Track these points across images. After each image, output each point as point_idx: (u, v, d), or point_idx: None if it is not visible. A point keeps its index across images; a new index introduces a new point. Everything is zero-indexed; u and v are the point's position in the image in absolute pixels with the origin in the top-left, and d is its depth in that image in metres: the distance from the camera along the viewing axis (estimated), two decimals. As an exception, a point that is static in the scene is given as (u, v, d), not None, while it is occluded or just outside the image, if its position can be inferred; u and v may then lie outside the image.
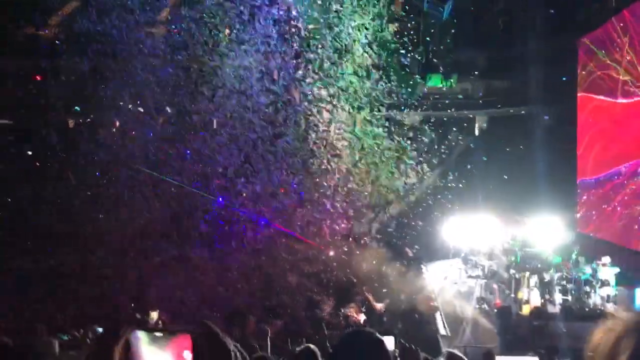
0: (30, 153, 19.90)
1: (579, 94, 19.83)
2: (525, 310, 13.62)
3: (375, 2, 19.75)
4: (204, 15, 19.65)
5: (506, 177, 21.27)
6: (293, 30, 20.40)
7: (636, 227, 15.88)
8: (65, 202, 17.78)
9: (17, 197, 17.94)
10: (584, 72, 19.55)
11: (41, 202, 17.67)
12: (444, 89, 23.11)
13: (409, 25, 21.39)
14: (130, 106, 19.81)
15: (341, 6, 19.65)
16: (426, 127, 22.63)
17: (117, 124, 20.24)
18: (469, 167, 22.91)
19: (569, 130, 20.34)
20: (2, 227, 17.03)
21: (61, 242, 16.79)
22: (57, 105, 19.91)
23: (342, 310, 14.41)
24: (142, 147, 18.97)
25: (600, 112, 18.48)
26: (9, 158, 18.76)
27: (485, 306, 14.48)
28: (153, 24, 21.47)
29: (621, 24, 16.77)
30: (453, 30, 22.16)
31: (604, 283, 14.47)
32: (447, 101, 22.92)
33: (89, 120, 20.75)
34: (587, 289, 14.40)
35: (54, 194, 17.83)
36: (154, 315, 10.57)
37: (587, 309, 13.91)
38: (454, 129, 23.55)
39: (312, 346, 4.29)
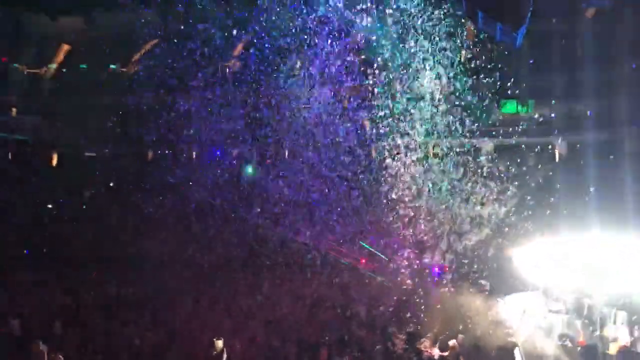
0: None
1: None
2: (613, 349, 12.77)
3: (449, 30, 19.63)
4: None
5: (591, 205, 20.30)
6: (364, 58, 20.60)
7: None
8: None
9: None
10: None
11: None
12: (521, 115, 22.51)
13: (482, 52, 21.05)
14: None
15: (412, 26, 19.65)
16: (502, 155, 22.07)
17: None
18: (549, 194, 22.08)
19: (658, 155, 19.29)
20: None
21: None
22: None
23: (416, 345, 14.03)
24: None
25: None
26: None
27: (568, 344, 13.69)
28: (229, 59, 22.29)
29: None
30: (529, 56, 21.62)
31: (702, 322, 13.44)
32: (523, 127, 22.30)
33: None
34: (680, 327, 13.40)
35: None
36: (219, 344, 10.55)
37: (682, 349, 12.93)
38: (533, 155, 22.83)
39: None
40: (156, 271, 16.87)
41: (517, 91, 22.02)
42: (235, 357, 11.08)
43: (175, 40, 20.86)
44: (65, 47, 23.42)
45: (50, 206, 22.07)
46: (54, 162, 23.39)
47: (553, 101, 22.30)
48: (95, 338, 13.54)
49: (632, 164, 20.04)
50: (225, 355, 5.24)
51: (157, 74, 21.73)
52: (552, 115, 22.76)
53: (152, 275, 16.71)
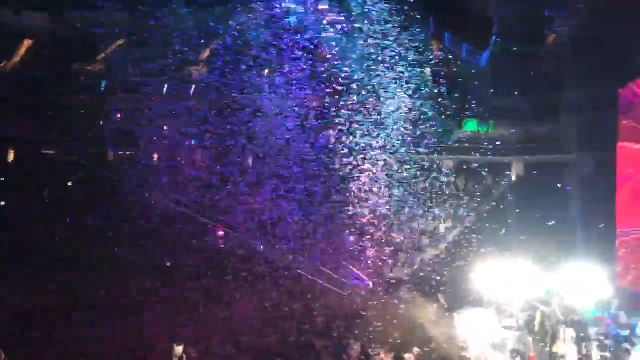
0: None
1: (619, 143, 19.49)
2: (562, 365, 13.21)
3: (414, 43, 19.97)
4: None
5: (543, 225, 20.90)
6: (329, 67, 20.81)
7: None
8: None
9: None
10: (624, 121, 19.25)
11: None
12: (481, 134, 23.03)
13: (447, 71, 21.52)
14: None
15: (379, 43, 19.92)
16: (462, 171, 22.55)
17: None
18: (504, 212, 22.63)
19: (609, 179, 19.96)
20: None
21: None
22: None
23: (371, 356, 14.18)
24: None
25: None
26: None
27: (519, 359, 14.06)
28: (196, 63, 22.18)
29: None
30: (491, 76, 22.17)
31: (645, 341, 14.00)
32: (483, 146, 22.81)
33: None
34: (627, 346, 13.89)
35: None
36: (179, 349, 10.44)
37: (625, 367, 13.43)
38: (490, 174, 23.36)
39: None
40: (114, 275, 16.62)
41: (479, 110, 22.56)
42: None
43: (142, 41, 20.66)
44: (28, 42, 22.87)
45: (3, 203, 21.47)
46: (10, 158, 22.81)
47: (512, 122, 22.87)
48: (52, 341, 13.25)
49: (581, 187, 20.71)
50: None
51: (122, 74, 21.50)
52: (510, 135, 23.35)
53: (110, 279, 16.46)
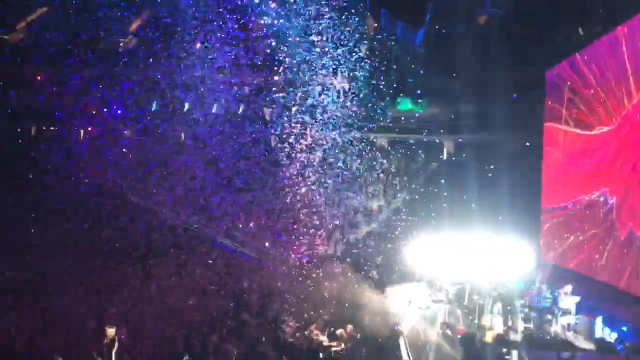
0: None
1: (545, 123, 20.22)
2: (489, 337, 13.62)
3: (349, 21, 19.89)
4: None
5: (472, 203, 21.49)
6: (262, 45, 20.45)
7: (597, 256, 16.16)
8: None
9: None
10: (550, 103, 19.96)
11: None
12: (414, 113, 23.33)
13: (381, 48, 21.59)
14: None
15: (313, 21, 19.72)
16: (394, 150, 22.80)
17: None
18: (435, 190, 23.13)
19: (535, 158, 20.72)
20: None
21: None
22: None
23: (306, 332, 14.19)
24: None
25: (564, 142, 18.87)
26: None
27: (449, 332, 14.45)
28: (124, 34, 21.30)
29: (586, 57, 17.21)
30: (424, 56, 22.44)
31: (565, 312, 14.63)
32: (415, 125, 23.15)
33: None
34: (549, 317, 14.52)
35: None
36: (111, 331, 9.84)
37: (548, 337, 14.02)
38: (422, 152, 23.77)
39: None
40: (43, 256, 15.89)
41: (412, 89, 22.82)
42: (124, 345, 10.67)
43: (68, 9, 19.63)
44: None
45: None
46: None
47: (444, 102, 23.27)
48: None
49: (509, 164, 21.33)
50: (116, 344, 4.97)
51: (44, 44, 20.39)
52: (442, 115, 23.78)
53: (38, 260, 15.72)
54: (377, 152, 23.54)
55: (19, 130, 21.38)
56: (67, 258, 16.33)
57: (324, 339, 13.80)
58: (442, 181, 23.37)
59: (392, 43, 22.00)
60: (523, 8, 19.67)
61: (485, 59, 21.16)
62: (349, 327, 13.81)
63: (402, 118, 23.27)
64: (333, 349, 13.09)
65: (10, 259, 16.18)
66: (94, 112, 20.78)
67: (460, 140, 23.70)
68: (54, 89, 20.49)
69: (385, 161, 23.09)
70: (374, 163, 22.99)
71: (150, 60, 20.26)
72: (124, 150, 19.97)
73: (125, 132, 20.82)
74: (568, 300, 14.81)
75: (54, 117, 20.98)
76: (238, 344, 12.57)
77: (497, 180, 21.25)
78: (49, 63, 20.35)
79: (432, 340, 13.97)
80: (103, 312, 13.64)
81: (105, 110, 20.67)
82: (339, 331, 13.71)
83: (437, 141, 24.10)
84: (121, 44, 21.66)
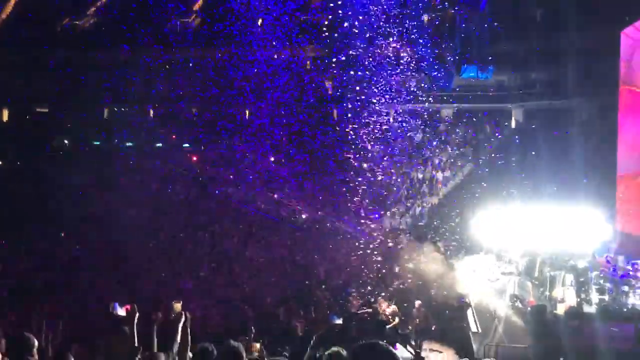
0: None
1: (620, 87, 19.20)
2: (560, 309, 13.22)
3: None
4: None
5: (543, 171, 20.81)
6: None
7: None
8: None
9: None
10: (624, 64, 18.91)
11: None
12: (480, 81, 22.71)
13: (444, 15, 21.05)
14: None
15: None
16: (460, 120, 22.33)
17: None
18: (503, 160, 22.51)
19: (610, 124, 19.75)
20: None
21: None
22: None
23: (371, 304, 14.20)
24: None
25: (640, 106, 17.89)
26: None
27: (518, 304, 14.12)
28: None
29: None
30: (490, 22, 21.70)
31: (644, 283, 14.00)
32: (481, 93, 22.53)
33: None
34: (626, 288, 13.92)
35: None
36: (178, 306, 8.94)
37: (625, 310, 13.45)
38: (489, 122, 23.14)
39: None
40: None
41: (478, 56, 22.18)
42: (195, 319, 10.94)
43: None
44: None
45: None
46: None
47: (511, 68, 22.52)
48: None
49: (582, 131, 20.50)
50: (184, 318, 5.10)
51: (113, 29, 21.05)
52: (509, 82, 23.05)
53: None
54: (443, 122, 23.12)
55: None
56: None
57: (390, 310, 13.74)
58: (512, 150, 22.69)
59: (457, 8, 21.37)
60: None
61: (554, 22, 20.25)
62: (418, 303, 13.68)
63: (469, 86, 22.68)
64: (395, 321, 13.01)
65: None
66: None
67: (530, 107, 22.90)
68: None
69: (451, 130, 22.67)
70: (440, 133, 22.62)
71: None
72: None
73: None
74: (646, 270, 14.14)
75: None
76: (306, 315, 12.79)
77: (570, 148, 20.45)
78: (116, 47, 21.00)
79: (501, 312, 13.69)
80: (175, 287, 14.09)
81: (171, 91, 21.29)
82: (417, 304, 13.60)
83: (507, 109, 23.38)
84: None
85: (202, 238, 18.28)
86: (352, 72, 20.23)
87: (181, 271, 15.77)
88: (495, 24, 21.54)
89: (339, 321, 10.73)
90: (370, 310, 13.50)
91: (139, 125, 21.96)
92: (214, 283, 15.28)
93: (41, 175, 19.46)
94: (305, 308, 13.56)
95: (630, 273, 14.03)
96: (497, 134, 23.00)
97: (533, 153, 21.48)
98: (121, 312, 6.55)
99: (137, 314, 4.71)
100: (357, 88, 20.30)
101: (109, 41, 20.59)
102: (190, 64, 21.59)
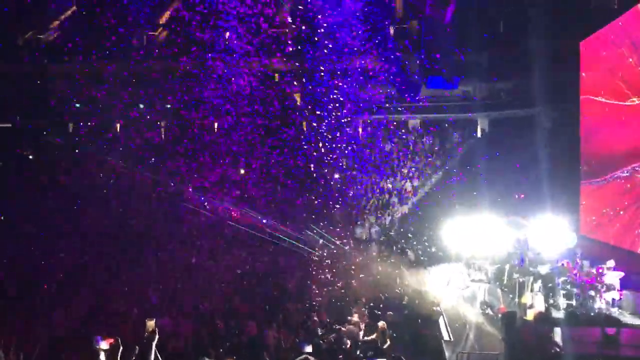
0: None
1: (582, 96, 19.66)
2: (530, 315, 13.41)
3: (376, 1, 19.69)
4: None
5: (508, 180, 21.15)
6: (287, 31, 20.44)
7: (638, 230, 15.73)
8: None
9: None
10: (585, 74, 19.40)
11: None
12: (446, 91, 23.02)
13: (410, 27, 21.33)
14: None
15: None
16: (427, 130, 22.57)
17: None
18: (470, 169, 22.80)
19: (572, 132, 20.20)
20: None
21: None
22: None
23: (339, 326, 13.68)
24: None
25: (603, 114, 18.32)
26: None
27: (489, 311, 14.29)
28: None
29: (621, 24, 16.64)
30: (455, 33, 22.04)
31: (609, 287, 14.26)
32: (448, 103, 22.84)
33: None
34: (592, 293, 14.19)
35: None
36: (151, 324, 8.94)
37: (592, 314, 13.71)
38: (456, 131, 23.45)
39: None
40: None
41: (444, 68, 22.46)
42: (165, 332, 10.80)
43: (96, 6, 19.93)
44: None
45: None
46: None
47: (476, 79, 22.87)
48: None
49: (545, 139, 20.87)
50: (157, 336, 5.03)
51: (76, 41, 20.75)
52: (475, 92, 23.40)
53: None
54: (410, 133, 23.32)
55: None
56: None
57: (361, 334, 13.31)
58: (478, 160, 23.01)
59: (422, 20, 21.67)
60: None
61: (518, 32, 20.67)
62: (389, 314, 13.50)
63: (434, 97, 22.96)
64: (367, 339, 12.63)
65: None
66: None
67: (495, 116, 23.29)
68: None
69: (418, 141, 22.88)
70: (408, 143, 22.81)
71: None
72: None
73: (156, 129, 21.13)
74: (611, 275, 14.42)
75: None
76: (278, 330, 12.61)
77: (535, 156, 20.81)
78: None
79: (472, 320, 13.82)
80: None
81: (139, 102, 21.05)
82: (380, 323, 13.25)
83: (473, 118, 23.72)
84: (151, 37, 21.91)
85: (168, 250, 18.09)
86: (319, 84, 20.31)
87: (147, 284, 15.56)
88: (460, 35, 21.90)
89: (309, 348, 9.91)
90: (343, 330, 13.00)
91: (104, 139, 21.68)
92: (182, 296, 15.10)
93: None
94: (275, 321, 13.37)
95: (597, 278, 14.31)
96: (463, 143, 23.33)
97: (499, 161, 21.80)
98: (104, 345, 6.40)
99: (121, 348, 4.65)
100: (325, 99, 20.39)
101: (72, 54, 20.32)
102: (157, 77, 21.37)
